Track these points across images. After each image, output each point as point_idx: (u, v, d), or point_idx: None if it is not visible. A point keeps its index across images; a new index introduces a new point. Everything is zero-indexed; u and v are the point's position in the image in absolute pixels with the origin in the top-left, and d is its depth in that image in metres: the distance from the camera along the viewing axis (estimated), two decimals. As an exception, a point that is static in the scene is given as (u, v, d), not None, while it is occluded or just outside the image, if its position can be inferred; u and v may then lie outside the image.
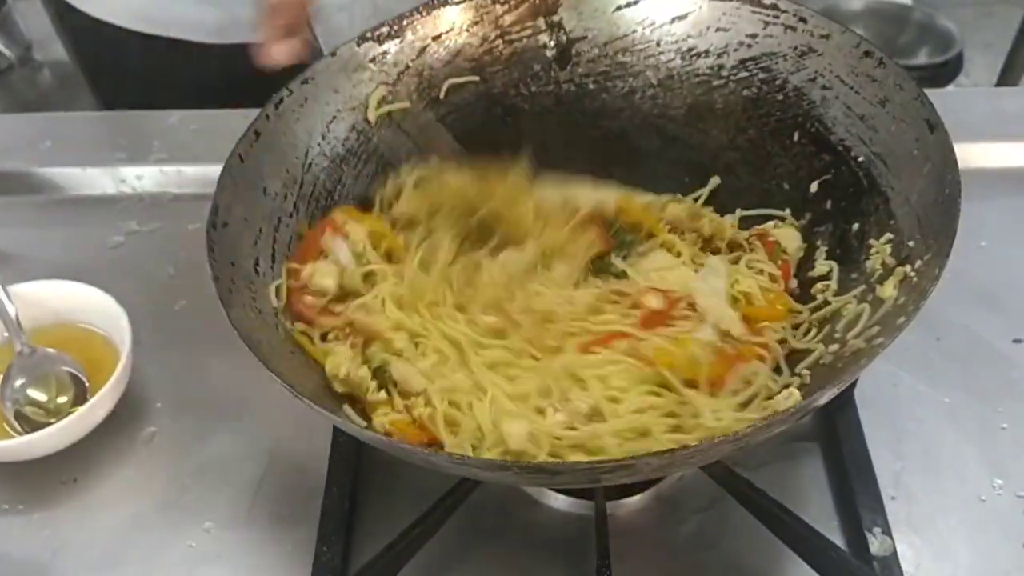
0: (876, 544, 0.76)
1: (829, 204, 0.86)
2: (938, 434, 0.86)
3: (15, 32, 2.66)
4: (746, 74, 0.90)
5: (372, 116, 0.91)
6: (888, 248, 0.77)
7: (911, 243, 0.74)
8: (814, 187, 0.87)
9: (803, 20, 0.85)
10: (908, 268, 0.73)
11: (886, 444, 0.85)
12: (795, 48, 0.87)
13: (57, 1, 1.27)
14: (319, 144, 0.87)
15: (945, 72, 2.55)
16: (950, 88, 2.41)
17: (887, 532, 0.77)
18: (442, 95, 0.94)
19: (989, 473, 0.83)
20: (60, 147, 1.15)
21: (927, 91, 0.78)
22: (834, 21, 0.84)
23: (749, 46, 0.89)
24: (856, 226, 0.82)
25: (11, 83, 2.67)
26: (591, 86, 0.96)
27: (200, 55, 1.22)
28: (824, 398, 0.63)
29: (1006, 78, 2.27)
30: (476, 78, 0.95)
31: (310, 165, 0.87)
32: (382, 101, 0.91)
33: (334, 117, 0.89)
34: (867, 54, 0.81)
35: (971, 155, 1.05)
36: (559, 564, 0.79)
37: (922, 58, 2.61)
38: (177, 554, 0.81)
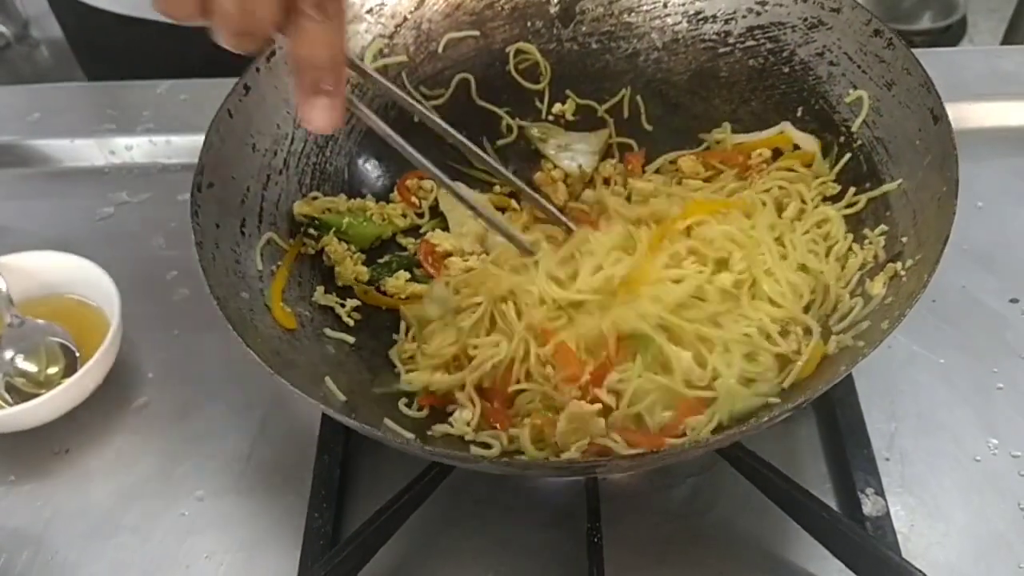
0: (869, 505, 0.76)
1: None
2: (933, 395, 0.85)
3: (12, 9, 2.64)
4: (753, 43, 0.89)
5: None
6: (882, 240, 0.76)
7: (904, 239, 0.73)
8: None
9: None
10: (899, 266, 0.71)
11: (880, 406, 0.84)
12: (805, 19, 0.85)
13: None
14: (312, 99, 0.86)
15: (948, 37, 2.52)
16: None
17: (880, 493, 0.77)
18: (440, 49, 0.93)
19: (984, 433, 0.82)
20: (49, 119, 1.15)
21: (926, 51, 0.76)
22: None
23: (758, 13, 0.88)
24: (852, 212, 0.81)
25: (8, 60, 2.64)
26: (594, 46, 0.95)
27: (193, 38, 1.20)
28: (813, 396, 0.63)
29: (1009, 43, 2.25)
30: (476, 33, 0.94)
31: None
32: (378, 54, 0.90)
33: None
34: (877, 33, 0.80)
35: (969, 114, 1.04)
36: (551, 528, 0.79)
37: (925, 23, 2.58)
38: (169, 523, 0.81)
